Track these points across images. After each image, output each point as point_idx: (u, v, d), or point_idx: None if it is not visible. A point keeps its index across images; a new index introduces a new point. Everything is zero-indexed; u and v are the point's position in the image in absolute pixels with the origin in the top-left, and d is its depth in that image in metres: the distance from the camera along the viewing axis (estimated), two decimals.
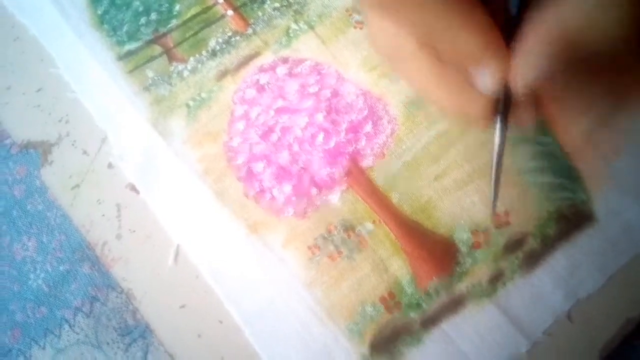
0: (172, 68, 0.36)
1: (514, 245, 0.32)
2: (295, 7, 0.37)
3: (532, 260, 0.31)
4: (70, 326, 0.34)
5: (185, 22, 0.37)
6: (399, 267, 0.32)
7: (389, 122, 0.34)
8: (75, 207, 0.35)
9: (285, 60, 0.36)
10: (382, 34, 0.25)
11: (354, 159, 0.34)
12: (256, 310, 0.32)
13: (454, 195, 0.32)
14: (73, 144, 0.36)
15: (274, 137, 0.34)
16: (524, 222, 0.32)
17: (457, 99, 0.24)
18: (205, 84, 0.36)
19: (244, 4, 0.37)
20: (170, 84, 0.36)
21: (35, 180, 0.37)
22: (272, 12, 0.37)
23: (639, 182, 0.32)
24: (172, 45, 0.37)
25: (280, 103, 0.35)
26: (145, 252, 0.34)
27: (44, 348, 0.34)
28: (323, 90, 0.35)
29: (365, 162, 0.34)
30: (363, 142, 0.34)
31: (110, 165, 0.35)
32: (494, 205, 0.27)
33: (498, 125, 0.24)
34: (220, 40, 0.37)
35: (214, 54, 0.37)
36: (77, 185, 0.35)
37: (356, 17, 0.36)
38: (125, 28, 0.37)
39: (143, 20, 0.37)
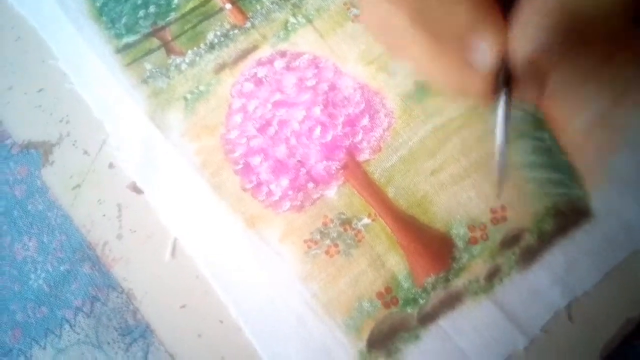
0: (170, 61, 0.36)
1: (510, 241, 0.31)
2: (293, 0, 0.37)
3: (529, 256, 0.31)
4: (70, 326, 0.34)
5: (183, 15, 0.37)
6: (396, 263, 0.32)
7: (385, 115, 0.34)
8: (76, 207, 0.35)
9: (283, 54, 0.36)
10: (375, 14, 0.25)
11: (351, 152, 0.34)
12: (253, 304, 0.32)
13: (451, 190, 0.32)
14: (74, 144, 0.36)
15: (271, 130, 0.34)
16: (520, 217, 0.32)
17: (455, 75, 0.23)
18: (203, 77, 0.36)
19: None
20: (168, 77, 0.36)
21: (36, 181, 0.36)
22: (271, 6, 0.37)
23: (637, 178, 0.31)
24: (170, 38, 0.37)
25: (277, 96, 0.35)
26: (146, 252, 0.34)
27: (44, 348, 0.34)
28: (320, 84, 0.34)
29: (362, 156, 0.33)
30: (360, 136, 0.34)
31: (111, 166, 0.35)
32: (500, 188, 0.26)
33: (501, 102, 0.23)
34: (218, 33, 0.37)
35: (212, 47, 0.36)
36: (78, 186, 0.35)
37: (354, 10, 0.36)
38: (123, 20, 0.37)
39: (142, 13, 0.37)
